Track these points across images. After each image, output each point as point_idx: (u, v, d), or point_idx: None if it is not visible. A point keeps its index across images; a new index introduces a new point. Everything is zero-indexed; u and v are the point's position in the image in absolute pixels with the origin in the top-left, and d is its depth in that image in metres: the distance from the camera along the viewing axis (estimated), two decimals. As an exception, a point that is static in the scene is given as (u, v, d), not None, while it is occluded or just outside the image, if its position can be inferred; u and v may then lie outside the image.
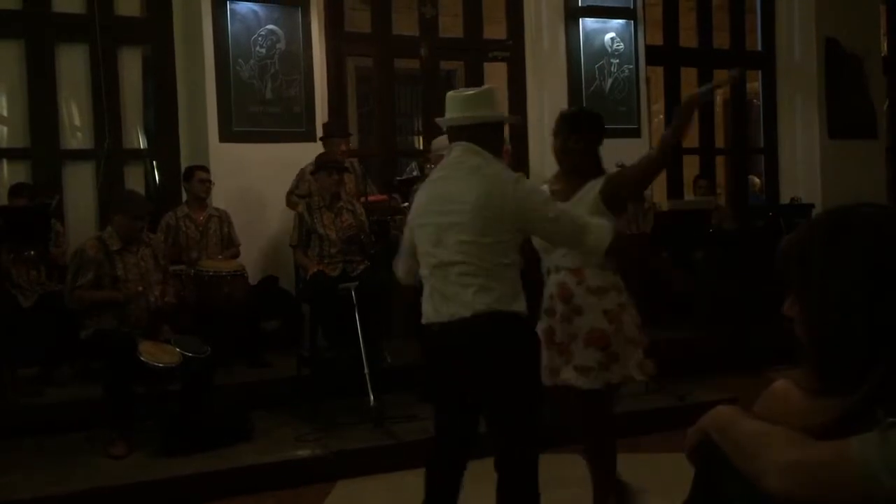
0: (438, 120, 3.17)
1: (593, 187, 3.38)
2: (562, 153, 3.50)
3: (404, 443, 4.69)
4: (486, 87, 3.28)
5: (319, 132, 6.74)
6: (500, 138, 3.14)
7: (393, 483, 4.44)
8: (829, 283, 1.24)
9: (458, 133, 3.05)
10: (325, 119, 6.82)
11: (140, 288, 4.94)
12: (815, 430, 1.21)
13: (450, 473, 3.15)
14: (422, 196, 3.13)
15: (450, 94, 3.13)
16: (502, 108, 3.05)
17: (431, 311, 3.00)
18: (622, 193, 3.44)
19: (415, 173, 6.65)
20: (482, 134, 3.02)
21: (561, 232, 3.03)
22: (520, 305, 2.98)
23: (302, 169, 6.21)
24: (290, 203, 6.19)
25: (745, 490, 1.23)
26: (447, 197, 2.98)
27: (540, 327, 3.39)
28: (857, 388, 1.20)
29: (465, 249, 2.90)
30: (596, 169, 3.47)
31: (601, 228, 3.03)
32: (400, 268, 3.27)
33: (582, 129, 3.49)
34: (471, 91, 3.12)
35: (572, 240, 3.07)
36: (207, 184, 6.11)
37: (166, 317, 5.12)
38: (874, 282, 1.21)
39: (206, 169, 6.19)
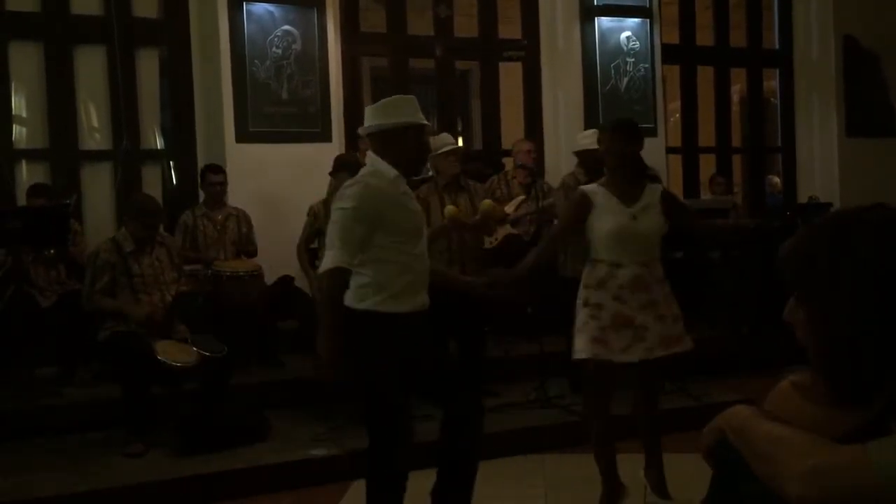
0: (359, 129, 3.51)
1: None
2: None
3: (420, 443, 4.66)
4: (394, 96, 3.46)
5: (335, 132, 6.76)
6: (401, 143, 3.29)
7: (408, 483, 4.44)
8: (835, 292, 1.21)
9: (369, 141, 3.39)
10: (342, 120, 6.83)
11: (153, 311, 4.94)
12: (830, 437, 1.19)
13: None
14: None
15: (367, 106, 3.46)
16: (410, 115, 3.32)
17: None
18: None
19: (430, 173, 6.65)
20: (380, 141, 3.31)
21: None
22: (362, 304, 3.22)
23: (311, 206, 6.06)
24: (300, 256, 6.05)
25: (762, 490, 1.22)
26: None
27: (609, 312, 3.67)
28: (869, 400, 1.18)
29: None
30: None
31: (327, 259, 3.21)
32: None
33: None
34: (379, 102, 3.41)
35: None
36: (217, 186, 6.14)
37: (179, 313, 5.14)
38: (883, 291, 1.17)
39: (217, 169, 6.20)
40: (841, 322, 1.20)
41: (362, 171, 3.37)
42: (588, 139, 5.79)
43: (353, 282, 3.24)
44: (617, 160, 3.76)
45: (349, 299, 3.24)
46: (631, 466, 4.06)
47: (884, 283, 1.17)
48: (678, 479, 4.06)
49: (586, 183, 5.86)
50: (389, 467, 3.28)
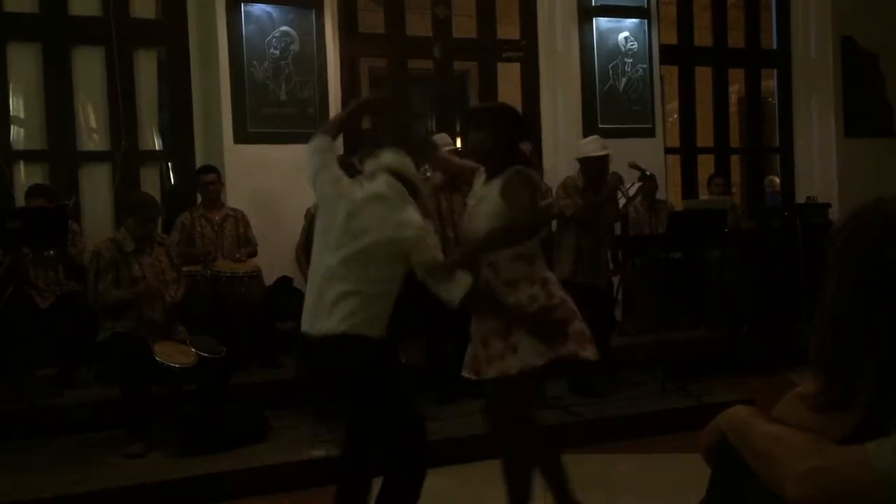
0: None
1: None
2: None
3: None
4: None
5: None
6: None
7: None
8: (827, 289, 1.20)
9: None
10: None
11: (157, 287, 4.97)
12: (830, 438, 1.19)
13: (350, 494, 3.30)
14: None
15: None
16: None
17: None
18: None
19: (428, 174, 6.67)
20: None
21: None
22: (374, 331, 3.06)
23: (308, 209, 6.09)
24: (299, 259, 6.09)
25: (762, 490, 1.22)
26: None
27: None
28: (850, 405, 1.17)
29: None
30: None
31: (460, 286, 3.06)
32: None
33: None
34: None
35: None
36: (209, 185, 6.14)
37: (181, 315, 5.15)
38: (866, 286, 1.16)
39: (212, 170, 6.21)
40: (827, 319, 1.20)
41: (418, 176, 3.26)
42: (590, 146, 5.82)
43: (365, 311, 3.03)
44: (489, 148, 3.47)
45: (362, 327, 3.03)
46: (629, 466, 4.07)
47: (884, 274, 1.17)
48: (678, 480, 4.07)
49: (585, 187, 5.87)
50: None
